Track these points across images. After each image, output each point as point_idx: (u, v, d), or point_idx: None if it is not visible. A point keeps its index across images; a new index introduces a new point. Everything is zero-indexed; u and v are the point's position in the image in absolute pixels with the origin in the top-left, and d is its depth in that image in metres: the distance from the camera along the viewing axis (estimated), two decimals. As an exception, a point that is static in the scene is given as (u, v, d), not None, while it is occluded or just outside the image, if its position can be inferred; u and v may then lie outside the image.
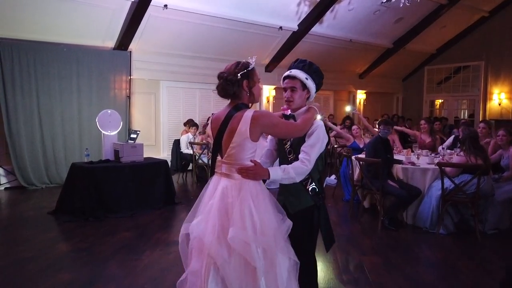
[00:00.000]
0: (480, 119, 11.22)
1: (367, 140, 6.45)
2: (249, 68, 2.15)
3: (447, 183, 4.68)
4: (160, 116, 9.25)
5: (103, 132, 6.02)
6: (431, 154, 5.86)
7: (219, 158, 2.19)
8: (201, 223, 2.08)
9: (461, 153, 4.86)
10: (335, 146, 7.85)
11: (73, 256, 4.11)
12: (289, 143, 2.33)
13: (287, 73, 2.33)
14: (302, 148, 2.19)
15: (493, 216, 4.81)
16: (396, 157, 5.53)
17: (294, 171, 2.11)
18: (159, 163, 6.18)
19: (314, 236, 2.30)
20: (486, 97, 12.74)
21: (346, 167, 6.27)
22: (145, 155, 6.21)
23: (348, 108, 8.72)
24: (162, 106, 9.25)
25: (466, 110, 13.85)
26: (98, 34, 7.76)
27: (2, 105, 6.96)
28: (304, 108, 2.31)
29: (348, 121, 9.72)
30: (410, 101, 14.72)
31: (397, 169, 5.25)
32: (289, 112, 2.36)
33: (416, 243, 4.58)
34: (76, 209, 5.35)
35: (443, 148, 6.12)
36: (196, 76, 9.12)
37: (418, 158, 5.54)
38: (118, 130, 6.18)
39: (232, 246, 1.96)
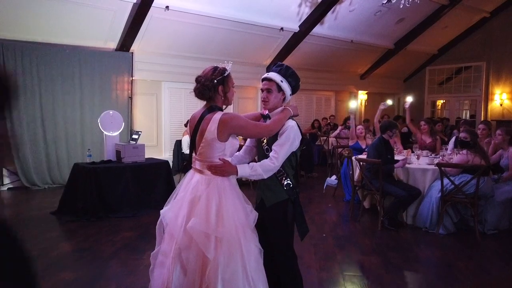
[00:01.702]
0: (482, 120, 11.23)
1: (369, 141, 6.47)
2: (225, 75, 2.31)
3: (447, 183, 4.71)
4: (162, 116, 9.30)
5: (105, 132, 6.07)
6: (431, 155, 5.87)
7: (194, 155, 2.39)
8: (170, 212, 2.32)
9: (463, 152, 4.88)
10: (336, 146, 7.86)
11: (75, 255, 4.15)
12: (265, 141, 2.46)
13: (264, 75, 2.47)
14: (272, 146, 2.35)
15: (492, 217, 4.83)
16: (396, 157, 5.55)
17: (262, 169, 2.28)
18: (161, 164, 6.23)
19: (289, 228, 2.45)
20: (487, 98, 12.74)
21: (346, 167, 6.29)
22: (147, 155, 6.24)
23: (353, 104, 8.94)
24: (164, 107, 9.29)
25: (468, 111, 13.84)
26: (100, 36, 7.81)
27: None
28: (279, 109, 2.46)
29: (349, 122, 9.73)
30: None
31: (397, 170, 5.27)
32: (266, 112, 2.51)
33: (415, 243, 4.61)
34: (78, 209, 5.39)
35: (446, 151, 6.08)
36: (197, 77, 9.15)
37: (418, 158, 5.57)
38: (120, 131, 6.22)
39: (192, 235, 2.15)
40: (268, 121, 2.41)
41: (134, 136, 6.25)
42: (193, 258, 2.15)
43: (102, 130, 6.07)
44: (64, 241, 4.71)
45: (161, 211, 2.36)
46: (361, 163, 5.33)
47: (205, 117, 2.27)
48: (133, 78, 8.45)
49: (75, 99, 7.75)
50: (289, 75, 2.45)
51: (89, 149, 6.33)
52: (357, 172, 5.61)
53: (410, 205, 5.10)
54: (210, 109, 2.29)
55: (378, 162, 4.92)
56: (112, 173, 5.64)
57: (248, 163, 2.39)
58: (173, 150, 8.75)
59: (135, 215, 5.51)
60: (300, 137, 2.39)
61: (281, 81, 2.41)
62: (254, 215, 2.28)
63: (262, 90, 2.46)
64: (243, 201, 2.29)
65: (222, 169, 2.23)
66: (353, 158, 5.74)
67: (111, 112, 6.17)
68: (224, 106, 2.37)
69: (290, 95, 2.48)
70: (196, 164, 2.33)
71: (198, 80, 2.31)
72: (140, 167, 5.89)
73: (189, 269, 2.16)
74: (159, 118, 9.26)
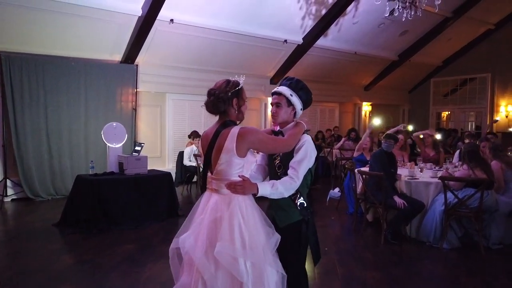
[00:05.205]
0: (487, 132, 11.15)
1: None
2: (239, 87, 2.19)
3: (451, 197, 4.66)
4: (166, 128, 9.33)
5: (108, 144, 6.10)
6: (434, 168, 5.82)
7: (209, 174, 2.22)
8: (190, 237, 2.10)
9: (464, 166, 4.85)
10: (339, 158, 7.83)
11: (76, 267, 4.16)
12: (278, 158, 2.35)
13: (274, 89, 2.39)
14: (290, 163, 2.21)
15: (497, 231, 4.76)
16: (399, 170, 5.51)
17: (283, 187, 2.14)
18: (163, 176, 6.23)
19: (302, 250, 2.32)
20: (493, 109, 12.68)
21: (349, 179, 6.26)
22: (151, 167, 6.25)
23: (376, 122, 9.28)
24: (168, 118, 9.34)
25: (474, 122, 13.77)
26: (106, 48, 7.91)
27: (11, 117, 7.08)
28: (292, 124, 2.34)
29: (353, 133, 9.72)
30: (416, 113, 14.68)
31: (400, 183, 5.23)
32: (277, 128, 2.40)
33: (418, 257, 4.55)
34: (81, 221, 5.40)
35: (450, 163, 6.02)
36: (201, 88, 9.04)
37: (421, 171, 5.52)
38: (122, 143, 6.25)
39: (219, 261, 1.98)
40: (285, 136, 2.27)
41: (137, 148, 6.27)
42: (221, 287, 1.98)
43: (105, 142, 6.11)
44: (66, 253, 4.69)
45: (180, 239, 2.13)
46: (363, 175, 5.29)
47: (221, 132, 2.13)
48: (137, 90, 8.52)
49: (80, 111, 7.81)
50: (300, 88, 2.34)
51: (91, 161, 6.35)
52: (359, 185, 5.57)
53: (414, 219, 5.03)
54: (225, 124, 2.14)
55: (381, 175, 4.89)
56: (114, 185, 5.65)
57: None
58: (177, 162, 8.78)
59: (137, 227, 5.50)
60: (316, 152, 2.28)
61: (291, 95, 2.30)
62: (276, 238, 2.10)
63: (272, 105, 2.36)
64: (264, 222, 2.13)
65: (243, 187, 2.07)
66: (356, 170, 5.71)
67: (114, 124, 6.20)
68: (237, 122, 2.22)
69: (301, 109, 2.37)
70: (213, 184, 2.16)
71: (211, 93, 2.14)
72: (143, 179, 5.90)
73: None
74: (163, 129, 9.30)
